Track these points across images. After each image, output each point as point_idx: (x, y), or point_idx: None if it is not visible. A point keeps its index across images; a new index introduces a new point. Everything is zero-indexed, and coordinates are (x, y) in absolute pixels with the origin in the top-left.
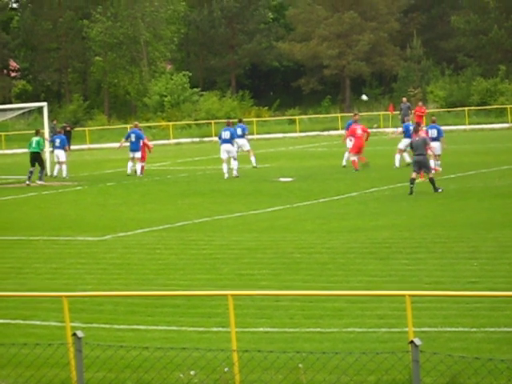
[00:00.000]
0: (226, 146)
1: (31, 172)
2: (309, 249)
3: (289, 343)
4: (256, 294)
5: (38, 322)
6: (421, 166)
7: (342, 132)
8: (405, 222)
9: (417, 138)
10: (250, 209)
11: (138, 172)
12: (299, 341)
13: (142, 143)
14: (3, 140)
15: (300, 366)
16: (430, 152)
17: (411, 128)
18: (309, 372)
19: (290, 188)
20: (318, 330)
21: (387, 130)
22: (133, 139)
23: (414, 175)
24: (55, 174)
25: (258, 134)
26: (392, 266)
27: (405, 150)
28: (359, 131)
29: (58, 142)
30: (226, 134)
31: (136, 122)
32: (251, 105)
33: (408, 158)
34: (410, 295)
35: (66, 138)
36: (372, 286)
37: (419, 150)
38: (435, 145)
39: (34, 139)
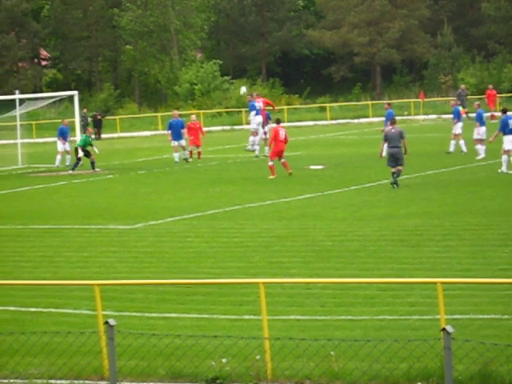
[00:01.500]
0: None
1: (91, 163)
2: (340, 236)
3: (320, 331)
4: (287, 281)
5: (70, 311)
6: (395, 158)
7: (373, 120)
8: (435, 210)
9: (393, 130)
10: (280, 197)
11: (187, 155)
12: (331, 328)
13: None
14: (34, 129)
15: (332, 353)
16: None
17: (459, 109)
18: (340, 359)
19: (321, 176)
20: (350, 317)
21: (418, 117)
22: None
23: (393, 170)
24: (67, 163)
25: (288, 121)
26: (423, 253)
27: (460, 135)
28: (282, 136)
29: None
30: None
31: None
32: (282, 93)
33: (464, 147)
34: (441, 283)
35: (97, 127)
36: (403, 273)
37: (394, 142)
38: (483, 130)
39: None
